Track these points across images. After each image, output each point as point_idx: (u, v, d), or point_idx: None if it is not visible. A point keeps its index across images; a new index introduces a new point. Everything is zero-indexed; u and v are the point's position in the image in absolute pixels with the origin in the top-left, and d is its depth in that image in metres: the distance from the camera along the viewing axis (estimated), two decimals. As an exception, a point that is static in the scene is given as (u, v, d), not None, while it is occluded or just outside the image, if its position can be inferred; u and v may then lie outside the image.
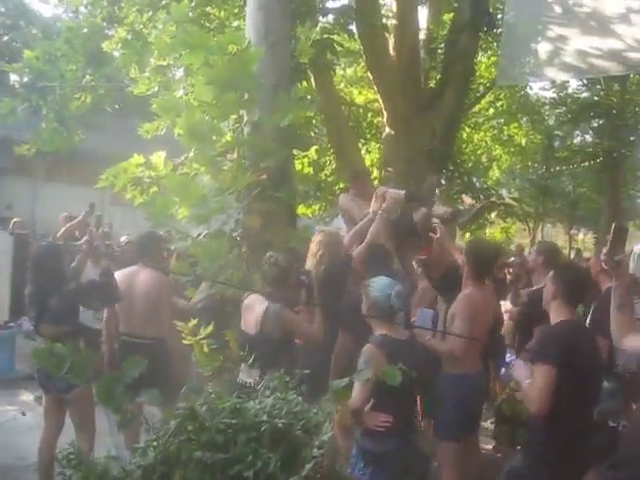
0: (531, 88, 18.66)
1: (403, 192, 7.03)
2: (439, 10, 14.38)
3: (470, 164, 18.36)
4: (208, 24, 11.49)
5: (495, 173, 20.77)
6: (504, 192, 27.68)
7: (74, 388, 5.64)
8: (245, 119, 5.30)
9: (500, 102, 17.30)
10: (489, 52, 16.05)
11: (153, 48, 9.16)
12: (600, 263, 5.57)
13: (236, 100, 5.09)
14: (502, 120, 18.51)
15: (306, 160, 15.30)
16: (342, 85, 16.65)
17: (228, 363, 5.51)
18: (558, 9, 10.62)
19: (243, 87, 5.11)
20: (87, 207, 8.80)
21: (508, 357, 7.52)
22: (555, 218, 34.23)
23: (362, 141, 14.97)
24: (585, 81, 18.26)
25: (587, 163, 23.11)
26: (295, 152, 14.24)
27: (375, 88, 12.32)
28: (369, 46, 11.47)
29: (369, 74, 12.06)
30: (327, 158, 14.90)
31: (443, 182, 14.07)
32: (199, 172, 5.76)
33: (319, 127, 13.84)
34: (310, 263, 6.17)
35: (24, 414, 7.59)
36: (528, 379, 4.52)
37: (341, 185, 14.40)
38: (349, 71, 17.11)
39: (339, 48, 11.14)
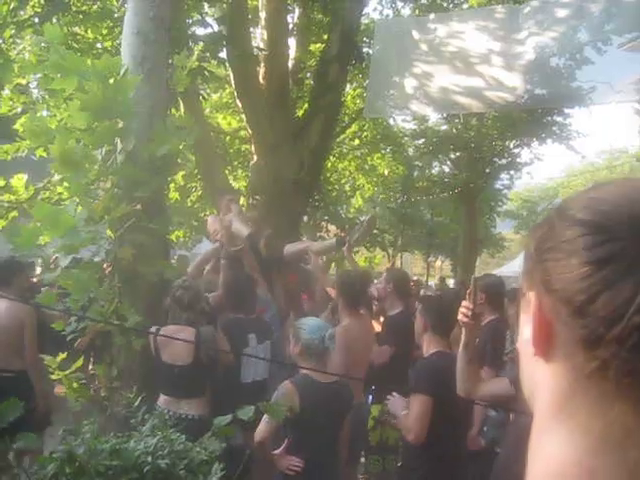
0: (394, 120, 19.23)
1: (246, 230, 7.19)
2: (307, 41, 14.58)
3: (334, 193, 18.66)
4: (76, 44, 11.13)
5: (358, 202, 21.17)
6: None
7: None
8: (120, 147, 5.14)
9: (364, 133, 17.68)
10: (355, 84, 16.41)
11: (15, 66, 8.81)
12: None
13: (111, 128, 4.94)
14: (366, 150, 18.92)
15: (172, 186, 15.07)
16: (207, 111, 16.51)
17: (105, 398, 5.31)
18: (424, 47, 10.99)
19: (118, 114, 4.96)
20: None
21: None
22: (414, 246, 35.29)
23: (229, 168, 14.91)
24: (445, 115, 18.96)
25: (445, 193, 23.98)
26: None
27: (244, 116, 12.29)
28: (239, 74, 11.42)
29: (238, 102, 11.99)
30: (193, 184, 14.72)
31: (309, 211, 14.16)
32: (68, 200, 5.55)
33: (184, 153, 13.62)
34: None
35: None
36: (404, 410, 4.61)
37: (207, 212, 14.27)
38: (215, 97, 17.03)
39: (208, 75, 11.07)
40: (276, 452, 4.54)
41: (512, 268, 25.03)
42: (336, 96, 12.06)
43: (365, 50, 13.05)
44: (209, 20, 12.49)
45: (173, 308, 5.52)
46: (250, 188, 12.53)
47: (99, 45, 11.88)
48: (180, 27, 9.79)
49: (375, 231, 17.29)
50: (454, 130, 21.88)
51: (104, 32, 11.50)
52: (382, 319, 7.42)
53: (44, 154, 6.22)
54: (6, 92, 10.27)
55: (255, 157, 11.87)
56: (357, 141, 18.22)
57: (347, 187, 19.76)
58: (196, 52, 6.26)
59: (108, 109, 4.86)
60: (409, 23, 11.89)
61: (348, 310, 5.88)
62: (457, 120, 21.28)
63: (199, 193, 14.57)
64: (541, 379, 0.86)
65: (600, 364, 0.77)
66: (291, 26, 14.37)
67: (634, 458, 0.75)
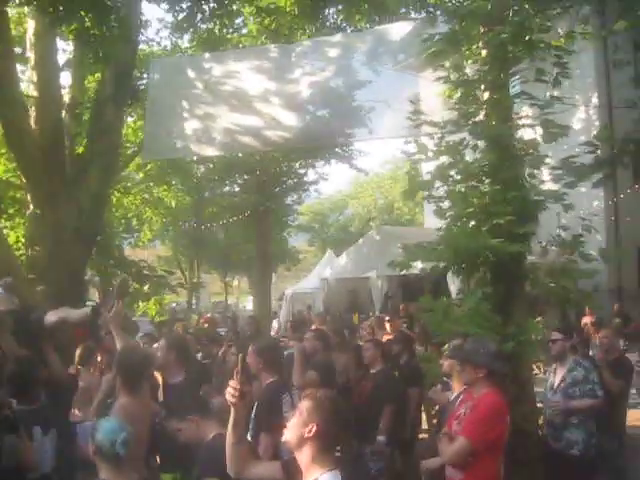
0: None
1: None
2: (83, 76, 14.05)
3: (121, 228, 18.21)
4: None
5: (147, 235, 20.78)
6: (158, 247, 27.96)
7: None
8: None
9: (149, 165, 17.34)
10: (135, 117, 16.06)
11: None
12: None
13: None
14: (151, 183, 18.58)
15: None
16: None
17: None
18: (201, 86, 10.92)
19: None
20: None
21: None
22: (210, 267, 35.34)
23: (4, 217, 14.08)
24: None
25: (236, 217, 24.09)
26: None
27: (16, 163, 11.62)
28: (8, 121, 10.70)
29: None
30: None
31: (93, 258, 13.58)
32: None
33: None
34: None
35: None
36: None
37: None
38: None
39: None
40: None
41: (309, 284, 25.54)
42: (114, 138, 11.67)
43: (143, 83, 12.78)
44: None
45: None
46: (28, 238, 11.87)
47: None
48: None
49: (165, 273, 16.97)
50: (240, 155, 22.03)
51: None
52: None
53: None
54: None
55: (31, 206, 11.24)
56: (141, 175, 17.85)
57: (135, 221, 19.30)
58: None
59: None
60: (183, 63, 11.78)
61: (127, 389, 5.66)
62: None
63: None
64: None
65: None
66: (65, 60, 13.82)
67: None
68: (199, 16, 15.14)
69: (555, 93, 7.34)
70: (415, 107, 7.83)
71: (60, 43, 13.72)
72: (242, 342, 9.23)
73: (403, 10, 14.88)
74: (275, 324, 12.53)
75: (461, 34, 7.22)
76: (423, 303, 7.34)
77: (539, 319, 8.84)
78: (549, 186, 7.34)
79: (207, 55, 12.30)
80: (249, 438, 5.46)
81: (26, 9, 11.55)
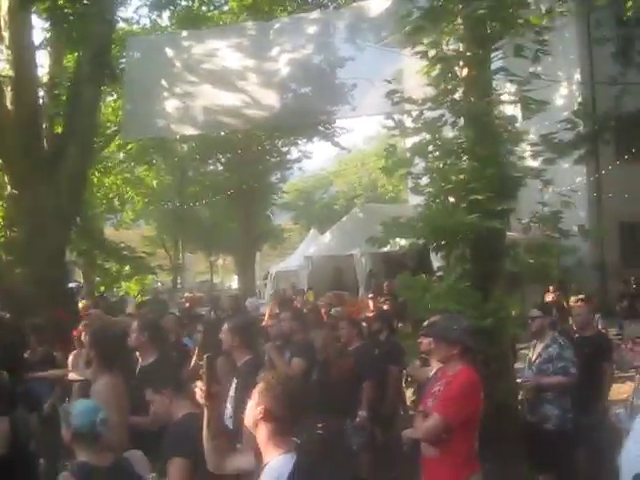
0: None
1: None
2: (60, 55, 13.90)
3: (102, 208, 18.09)
4: None
5: (129, 215, 20.66)
6: (141, 227, 27.87)
7: None
8: None
9: (129, 145, 17.18)
10: (115, 96, 15.90)
11: None
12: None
13: None
14: (132, 163, 18.43)
15: None
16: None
17: None
18: (179, 65, 10.84)
19: None
20: None
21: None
22: (195, 246, 35.21)
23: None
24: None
25: (219, 196, 23.99)
26: None
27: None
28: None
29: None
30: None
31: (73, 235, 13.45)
32: None
33: None
34: None
35: None
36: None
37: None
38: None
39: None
40: None
41: (294, 262, 25.55)
42: (91, 118, 11.54)
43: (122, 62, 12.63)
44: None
45: None
46: (6, 220, 11.77)
47: None
48: None
49: (144, 254, 16.83)
50: (222, 134, 21.88)
51: None
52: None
53: None
54: None
55: (8, 187, 11.13)
56: (122, 154, 17.71)
57: (116, 201, 19.14)
58: None
59: None
60: (162, 41, 11.68)
61: (105, 368, 5.62)
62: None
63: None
64: None
65: None
66: (42, 39, 13.61)
67: None
68: (178, -7, 15.02)
69: (538, 69, 7.33)
70: (395, 84, 7.80)
71: (38, 21, 13.57)
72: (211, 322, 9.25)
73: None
74: (250, 303, 12.50)
75: (440, 10, 7.18)
76: (402, 280, 7.35)
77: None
78: (530, 163, 7.36)
79: (185, 33, 12.19)
80: (229, 417, 5.49)
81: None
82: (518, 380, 6.94)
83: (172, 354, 7.17)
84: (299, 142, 24.87)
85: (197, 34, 11.87)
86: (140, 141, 17.00)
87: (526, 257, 7.18)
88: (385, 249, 8.05)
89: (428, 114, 7.42)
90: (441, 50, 7.29)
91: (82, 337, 7.10)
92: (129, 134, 11.74)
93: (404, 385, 8.44)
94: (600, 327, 10.15)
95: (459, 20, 7.23)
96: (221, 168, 26.17)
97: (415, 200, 8.91)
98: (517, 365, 7.68)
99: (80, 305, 11.85)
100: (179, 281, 33.74)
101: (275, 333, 7.97)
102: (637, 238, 19.75)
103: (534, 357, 6.63)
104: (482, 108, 6.95)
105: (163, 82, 10.76)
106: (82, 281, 18.75)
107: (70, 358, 7.46)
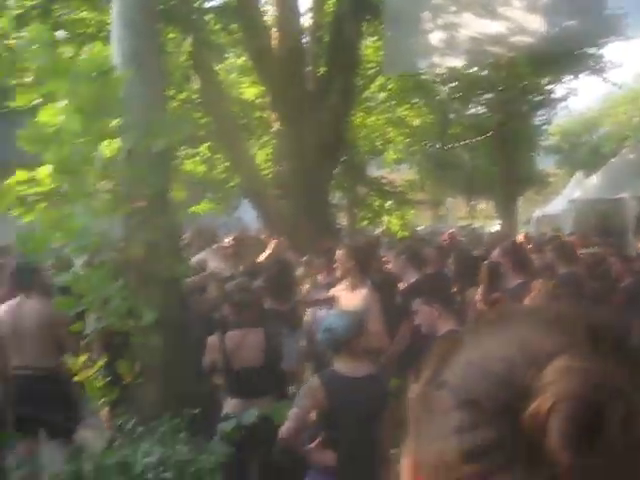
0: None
1: None
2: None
3: (365, 149, 18.44)
4: (84, 30, 10.89)
5: (391, 156, 20.86)
6: (403, 170, 28.14)
7: None
8: (118, 146, 5.07)
9: (390, 85, 17.28)
10: (376, 36, 16.00)
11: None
12: None
13: (105, 127, 4.87)
14: (394, 102, 18.52)
15: (198, 158, 15.07)
16: (233, 76, 16.31)
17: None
18: (439, -6, 10.70)
19: (111, 113, 4.89)
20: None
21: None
22: (455, 191, 34.98)
23: (253, 137, 14.82)
24: (471, 58, 18.40)
25: (480, 137, 23.49)
26: (187, 151, 14.02)
27: (261, 82, 12.16)
28: (251, 41, 11.25)
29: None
30: (219, 155, 14.63)
31: (337, 173, 13.95)
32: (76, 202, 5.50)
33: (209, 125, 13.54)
34: None
35: None
36: None
37: (233, 183, 14.22)
38: (239, 61, 16.73)
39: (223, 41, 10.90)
40: (310, 446, 4.50)
41: (557, 206, 24.59)
42: (353, 54, 11.79)
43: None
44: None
45: (233, 311, 5.59)
46: (275, 155, 12.43)
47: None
48: (188, 1, 9.65)
49: (407, 189, 17.05)
50: (484, 72, 21.29)
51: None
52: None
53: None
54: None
55: (277, 124, 11.75)
56: (383, 94, 17.85)
57: (378, 142, 19.42)
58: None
59: (100, 109, 4.78)
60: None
61: (362, 279, 5.83)
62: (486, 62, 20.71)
63: (226, 164, 14.43)
64: None
65: None
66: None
67: None
68: None
69: None
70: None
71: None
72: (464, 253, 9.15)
73: None
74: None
75: None
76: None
77: None
78: None
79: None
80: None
81: None
82: None
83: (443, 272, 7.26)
84: (564, 79, 23.54)
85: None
86: (400, 81, 17.05)
87: None
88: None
89: None
90: None
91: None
92: (391, 69, 11.79)
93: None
94: None
95: None
96: (482, 110, 25.54)
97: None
98: None
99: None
100: (439, 226, 33.76)
101: (539, 265, 7.75)
102: None
103: None
104: None
105: (425, 14, 10.66)
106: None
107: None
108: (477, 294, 3.86)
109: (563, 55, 17.47)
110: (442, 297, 5.12)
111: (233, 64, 16.41)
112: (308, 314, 6.49)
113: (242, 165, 11.54)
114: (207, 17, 11.39)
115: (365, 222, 17.45)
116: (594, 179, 21.94)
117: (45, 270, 6.88)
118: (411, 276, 6.59)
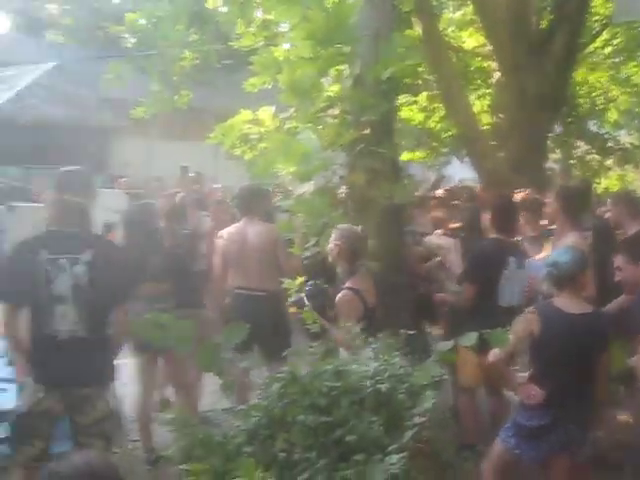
0: (652, 21, 17.44)
1: None
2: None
3: (586, 107, 17.55)
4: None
5: (613, 115, 19.68)
6: (622, 135, 26.59)
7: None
8: (346, 73, 5.18)
9: (617, 39, 16.30)
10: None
11: (254, 4, 9.16)
12: None
13: (335, 54, 4.99)
14: (620, 59, 17.44)
15: (416, 107, 15.09)
16: (451, 29, 16.09)
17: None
18: None
19: (342, 40, 4.99)
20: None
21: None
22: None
23: (472, 87, 14.58)
24: None
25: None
26: (405, 99, 14.06)
27: (484, 32, 11.90)
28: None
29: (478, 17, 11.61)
30: (437, 105, 14.55)
31: (557, 127, 13.47)
32: (301, 129, 5.69)
33: (428, 74, 13.48)
34: None
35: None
36: None
37: (449, 132, 14.12)
38: (458, 14, 16.47)
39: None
40: (520, 376, 4.48)
41: None
42: (580, 3, 11.22)
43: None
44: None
45: None
46: (493, 106, 12.18)
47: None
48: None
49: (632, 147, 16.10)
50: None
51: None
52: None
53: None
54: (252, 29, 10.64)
55: (497, 74, 11.51)
56: (609, 49, 16.86)
57: (599, 100, 18.40)
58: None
59: (331, 36, 4.91)
60: None
61: (570, 224, 5.67)
62: None
63: (442, 114, 14.34)
64: None
65: None
66: None
67: None
68: None
69: None
70: None
71: None
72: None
73: None
74: None
75: None
76: None
77: None
78: None
79: None
80: None
81: None
82: None
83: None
84: None
85: None
86: (629, 34, 16.03)
87: None
88: None
89: None
90: None
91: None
92: (621, 16, 11.07)
93: None
94: None
95: None
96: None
97: None
98: None
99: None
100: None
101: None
102: None
103: None
104: None
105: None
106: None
107: None
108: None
109: None
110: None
111: (451, 19, 16.17)
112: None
113: (459, 115, 11.39)
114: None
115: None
116: None
117: (269, 194, 7.17)
118: (630, 227, 6.26)
